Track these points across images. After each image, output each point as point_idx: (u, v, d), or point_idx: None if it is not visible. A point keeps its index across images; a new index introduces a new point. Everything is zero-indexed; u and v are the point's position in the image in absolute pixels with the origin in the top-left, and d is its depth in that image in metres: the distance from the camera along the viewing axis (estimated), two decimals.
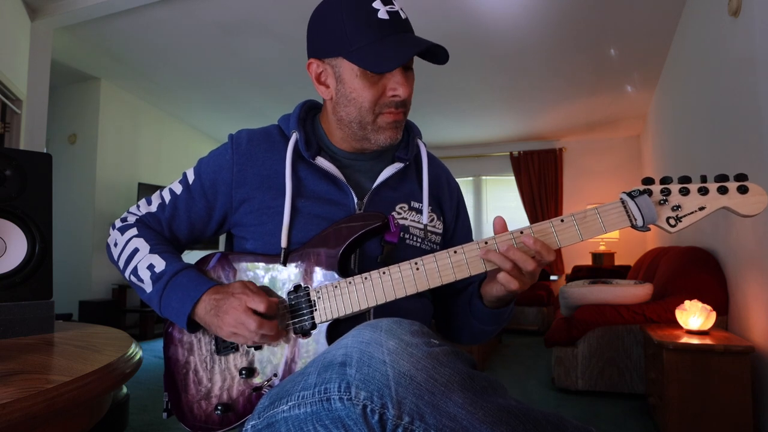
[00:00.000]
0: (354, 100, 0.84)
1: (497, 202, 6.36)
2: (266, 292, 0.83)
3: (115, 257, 0.91)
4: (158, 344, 4.32)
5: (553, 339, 2.87)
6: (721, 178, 0.74)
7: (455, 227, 1.03)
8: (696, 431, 1.95)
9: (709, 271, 2.61)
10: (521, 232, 0.76)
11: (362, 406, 0.57)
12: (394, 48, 0.79)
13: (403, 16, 0.83)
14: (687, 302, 2.26)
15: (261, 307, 0.76)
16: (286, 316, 0.81)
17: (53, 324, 0.91)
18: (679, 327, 2.29)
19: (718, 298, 2.47)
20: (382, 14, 0.80)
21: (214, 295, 0.80)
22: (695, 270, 2.66)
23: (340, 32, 0.81)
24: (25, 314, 0.86)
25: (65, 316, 3.94)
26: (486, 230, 6.21)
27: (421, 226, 0.92)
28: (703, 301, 2.26)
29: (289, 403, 0.64)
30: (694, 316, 2.20)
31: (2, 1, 3.07)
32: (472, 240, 0.92)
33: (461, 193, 1.07)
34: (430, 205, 0.95)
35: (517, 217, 6.12)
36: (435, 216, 0.95)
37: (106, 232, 4.95)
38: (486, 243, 0.76)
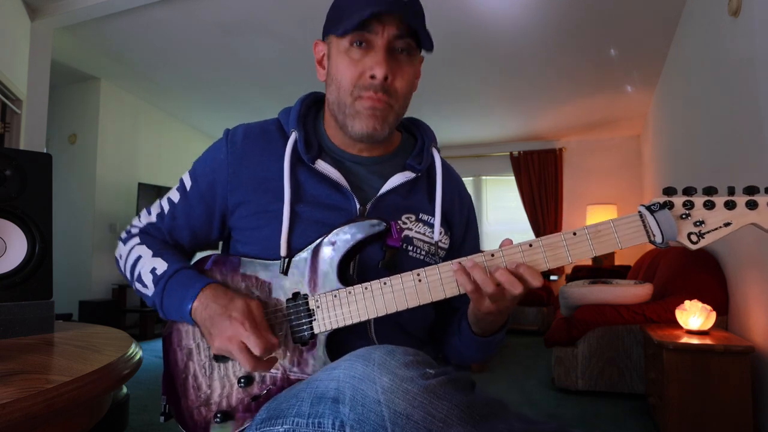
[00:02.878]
0: (335, 80, 0.82)
1: (497, 202, 6.35)
2: (268, 303, 0.79)
3: (122, 269, 0.90)
4: (158, 344, 4.30)
5: (553, 339, 2.87)
6: (750, 190, 0.68)
7: (463, 243, 0.98)
8: (696, 431, 1.95)
9: (709, 271, 2.60)
10: (530, 245, 0.71)
11: None
12: (368, 11, 0.76)
13: None
14: (687, 302, 2.26)
15: (257, 350, 0.70)
16: (285, 324, 0.78)
17: (53, 324, 0.90)
18: (679, 327, 2.29)
19: (718, 298, 2.46)
20: None
21: (214, 301, 0.76)
22: (695, 270, 2.66)
23: (339, 10, 0.82)
24: (25, 314, 0.86)
25: (65, 316, 3.94)
26: (486, 230, 6.20)
27: (427, 239, 0.88)
28: (703, 301, 2.26)
29: (284, 426, 0.63)
30: (694, 316, 2.20)
31: (2, 1, 3.07)
32: None
33: (473, 206, 1.02)
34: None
35: (516, 217, 6.12)
36: (443, 230, 0.91)
37: (105, 232, 4.95)
38: (492, 255, 0.72)
